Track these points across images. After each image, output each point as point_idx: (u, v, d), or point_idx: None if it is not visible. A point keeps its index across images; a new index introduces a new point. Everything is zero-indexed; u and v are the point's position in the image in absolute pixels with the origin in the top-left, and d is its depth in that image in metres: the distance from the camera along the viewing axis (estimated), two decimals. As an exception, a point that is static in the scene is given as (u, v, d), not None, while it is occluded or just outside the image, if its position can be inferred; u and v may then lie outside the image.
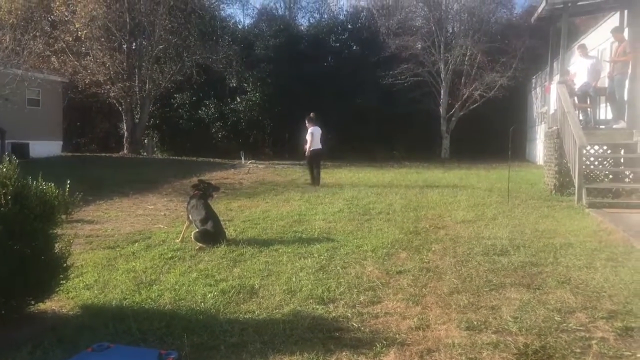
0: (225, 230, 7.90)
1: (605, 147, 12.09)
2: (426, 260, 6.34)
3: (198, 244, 7.20)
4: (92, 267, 6.22)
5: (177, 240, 7.58)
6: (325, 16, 40.75)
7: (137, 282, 5.59)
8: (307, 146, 15.62)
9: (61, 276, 4.68)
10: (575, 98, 12.96)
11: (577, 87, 13.11)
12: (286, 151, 31.52)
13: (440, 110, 32.08)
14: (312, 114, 15.78)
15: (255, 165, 23.72)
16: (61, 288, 4.88)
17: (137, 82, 29.29)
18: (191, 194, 8.06)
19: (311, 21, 41.10)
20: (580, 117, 12.86)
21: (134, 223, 9.47)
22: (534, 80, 29.67)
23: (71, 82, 28.36)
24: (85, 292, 5.29)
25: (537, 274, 5.72)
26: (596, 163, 12.04)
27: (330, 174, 18.88)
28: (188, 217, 7.78)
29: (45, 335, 4.14)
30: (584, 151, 11.39)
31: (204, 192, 7.96)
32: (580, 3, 13.00)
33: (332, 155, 25.40)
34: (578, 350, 3.89)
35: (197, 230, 7.41)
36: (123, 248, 7.28)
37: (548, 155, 13.77)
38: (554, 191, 12.51)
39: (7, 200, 4.19)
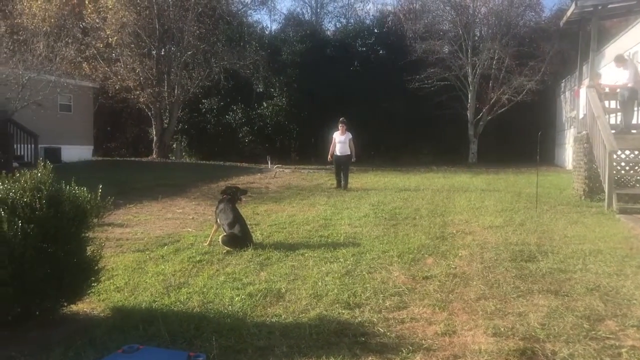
0: (252, 234, 7.97)
1: (636, 152, 11.86)
2: (453, 266, 6.31)
3: (225, 247, 7.27)
4: (123, 270, 6.34)
5: (205, 244, 7.67)
6: (352, 21, 40.87)
7: (166, 285, 5.68)
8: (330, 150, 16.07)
9: (93, 279, 4.78)
10: (609, 102, 12.73)
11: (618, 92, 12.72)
12: (312, 155, 31.59)
13: (468, 114, 31.82)
14: (342, 119, 15.98)
15: (281, 169, 23.84)
16: (93, 290, 4.98)
17: (166, 87, 29.70)
18: (220, 198, 8.16)
19: (337, 26, 41.28)
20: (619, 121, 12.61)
21: (163, 226, 9.61)
22: (562, 84, 29.22)
23: (102, 87, 28.88)
24: (116, 294, 5.40)
25: (565, 281, 5.65)
26: (627, 168, 11.82)
27: (356, 179, 18.87)
28: (216, 221, 7.87)
29: (77, 337, 4.24)
30: (615, 156, 11.20)
31: (232, 197, 8.04)
32: (610, 6, 12.80)
33: (359, 159, 25.40)
34: (607, 359, 3.84)
35: (224, 234, 7.49)
36: (152, 251, 7.40)
37: (577, 160, 13.56)
38: (583, 197, 12.32)
39: (42, 204, 4.30)
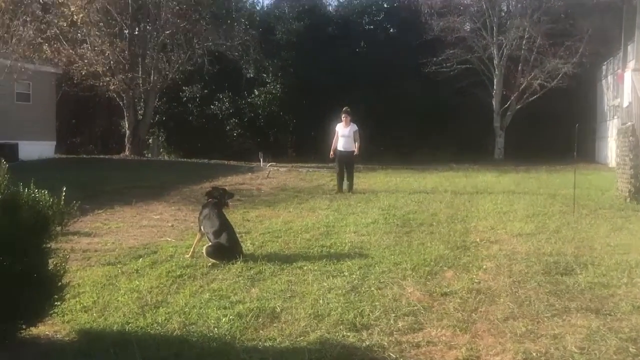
0: (242, 244, 7.98)
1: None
2: (476, 281, 6.31)
3: (211, 259, 7.28)
4: (91, 287, 6.35)
5: (187, 256, 7.68)
6: (358, -6, 40.85)
7: (142, 303, 5.68)
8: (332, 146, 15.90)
9: (56, 297, 4.77)
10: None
11: None
12: (312, 152, 31.60)
13: (493, 103, 31.82)
14: (345, 108, 15.88)
15: (275, 168, 23.85)
16: (56, 310, 4.99)
17: (140, 73, 29.74)
18: (204, 202, 8.16)
19: (341, 0, 41.22)
20: None
21: (138, 235, 9.62)
22: (604, 67, 29.22)
23: (65, 73, 28.89)
24: (83, 315, 5.40)
25: (607, 297, 5.65)
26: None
27: (363, 178, 18.87)
28: (200, 229, 7.88)
29: (38, 364, 4.25)
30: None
31: (219, 200, 8.05)
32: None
33: (365, 155, 25.34)
34: (657, 388, 3.84)
35: (209, 244, 7.50)
36: (125, 264, 7.40)
37: (621, 156, 13.55)
38: (628, 199, 12.31)
39: (-5, 210, 4.30)
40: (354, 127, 15.67)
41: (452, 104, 31.45)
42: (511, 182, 17.75)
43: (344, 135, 15.58)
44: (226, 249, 7.40)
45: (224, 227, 7.63)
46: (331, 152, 15.97)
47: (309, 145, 33.19)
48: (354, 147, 15.55)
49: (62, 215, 9.47)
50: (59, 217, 4.73)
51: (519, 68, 31.03)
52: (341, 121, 15.74)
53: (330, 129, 16.46)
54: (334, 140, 15.87)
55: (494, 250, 7.79)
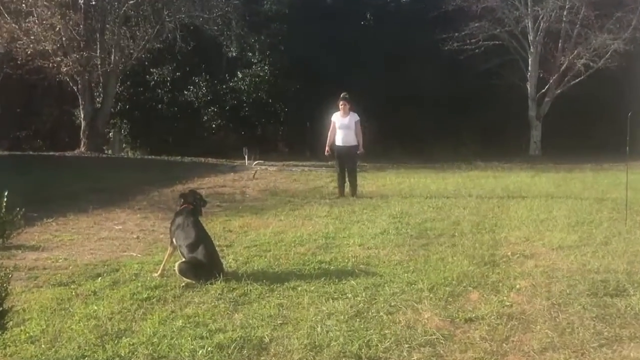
0: (223, 259, 7.97)
1: None
2: (507, 303, 6.31)
3: (184, 279, 7.26)
4: (39, 312, 6.31)
5: (156, 274, 7.66)
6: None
7: (101, 332, 5.66)
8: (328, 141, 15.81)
9: (-4, 325, 4.77)
10: None
11: None
12: (307, 147, 31.62)
13: (528, 87, 31.84)
14: (343, 94, 15.71)
15: (263, 167, 23.84)
16: (-4, 341, 4.97)
17: (98, 51, 29.64)
18: (177, 208, 8.14)
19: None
20: None
21: (96, 250, 9.58)
22: (662, 43, 29.27)
23: (7, 52, 28.84)
24: (29, 346, 5.37)
25: (668, 324, 5.65)
26: None
27: (369, 179, 18.88)
28: (171, 242, 7.87)
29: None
30: None
31: (195, 207, 8.03)
32: None
33: (373, 151, 25.28)
34: None
35: (183, 260, 7.48)
36: (80, 285, 7.37)
37: (684, 151, 13.56)
38: (692, 203, 12.31)
39: None
40: (355, 116, 15.52)
41: (478, 89, 31.44)
42: (550, 184, 17.75)
43: (342, 126, 15.42)
44: (203, 265, 7.37)
45: (201, 239, 7.60)
46: (326, 149, 15.88)
47: (303, 140, 33.22)
48: (356, 141, 15.47)
49: (3, 225, 9.51)
50: (-1, 227, 4.73)
51: (559, 45, 31.06)
52: (338, 110, 15.63)
53: (327, 119, 16.25)
54: (329, 134, 15.74)
55: (528, 267, 7.79)
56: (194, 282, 7.19)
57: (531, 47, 31.36)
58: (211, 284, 7.13)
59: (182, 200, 8.17)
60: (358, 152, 15.59)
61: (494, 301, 6.39)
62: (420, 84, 31.56)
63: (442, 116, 32.50)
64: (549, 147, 31.04)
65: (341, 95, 15.71)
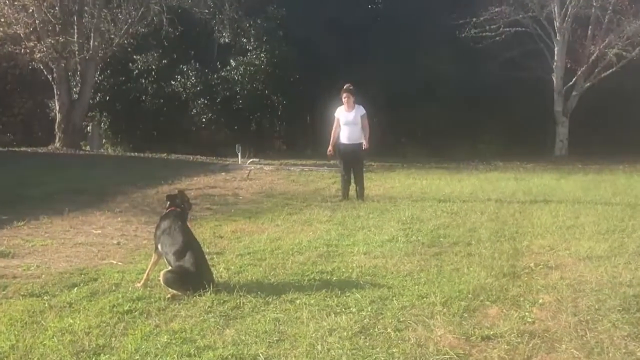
0: (213, 268, 7.98)
1: None
2: (529, 320, 6.31)
3: (170, 290, 7.27)
4: (8, 326, 6.31)
5: (139, 284, 7.67)
6: None
7: (77, 349, 5.66)
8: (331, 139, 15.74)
9: (-39, 339, 4.78)
10: None
11: None
12: (308, 144, 31.68)
13: (554, 79, 31.85)
14: (346, 86, 15.62)
15: (259, 166, 23.86)
16: (-40, 357, 4.99)
17: (76, 36, 29.69)
18: (164, 211, 8.14)
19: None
20: None
21: (72, 257, 9.57)
22: None
23: (-27, 37, 28.86)
24: (-3, 364, 5.39)
25: None
26: None
27: (377, 181, 18.88)
28: (156, 248, 7.88)
29: None
30: None
31: (183, 210, 8.03)
32: None
33: (381, 149, 25.30)
34: None
35: (169, 268, 7.49)
36: (54, 296, 7.37)
37: None
38: None
39: None
40: (361, 110, 15.43)
41: (498, 81, 31.43)
42: (577, 187, 17.74)
43: (347, 122, 15.33)
44: (191, 275, 7.37)
45: (189, 245, 7.59)
46: (329, 148, 15.78)
47: (303, 136, 33.32)
48: (363, 139, 15.42)
49: (-30, 228, 9.51)
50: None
51: (589, 32, 31.07)
52: (342, 104, 15.51)
53: (330, 114, 16.16)
54: (332, 131, 15.64)
55: (553, 279, 7.78)
56: (180, 293, 7.19)
57: (557, 35, 31.36)
58: (200, 295, 7.14)
59: (169, 202, 8.18)
60: (363, 148, 15.45)
61: (515, 317, 6.38)
62: (434, 74, 31.60)
63: (458, 111, 32.53)
64: (577, 146, 31.06)
65: (344, 87, 15.50)
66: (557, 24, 31.26)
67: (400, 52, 32.05)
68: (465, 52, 31.19)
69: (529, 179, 20.38)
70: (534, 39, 31.28)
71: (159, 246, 7.78)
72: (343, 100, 15.37)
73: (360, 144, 15.32)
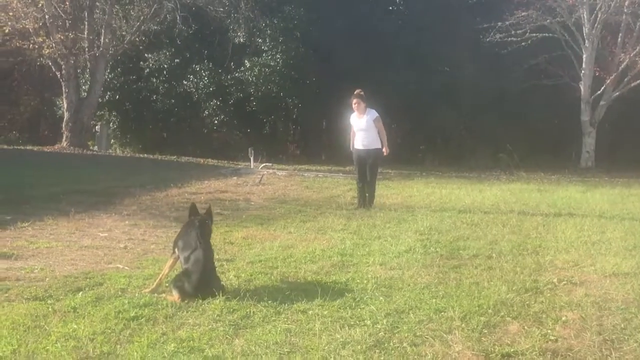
0: (222, 275, 7.99)
1: None
2: (552, 337, 6.27)
3: (172, 294, 7.33)
4: (10, 330, 6.31)
5: (146, 290, 7.68)
6: None
7: (81, 355, 5.66)
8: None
9: (-39, 342, 4.79)
10: None
11: None
12: (323, 149, 31.68)
13: (582, 87, 31.73)
14: (356, 92, 15.60)
15: (271, 171, 23.88)
16: (-40, 361, 5.00)
17: (86, 32, 29.83)
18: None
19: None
20: None
21: (77, 260, 9.58)
22: None
23: (-18, 31, 29.01)
24: (-2, 369, 5.40)
25: None
26: None
27: (394, 189, 18.86)
28: (174, 250, 7.95)
29: None
30: None
31: (204, 219, 8.08)
32: None
33: (399, 157, 25.29)
34: None
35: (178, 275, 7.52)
36: (58, 300, 7.37)
37: None
38: None
39: None
40: (373, 113, 15.37)
41: (523, 88, 31.42)
42: (604, 201, 17.66)
43: (360, 129, 15.40)
44: (192, 281, 7.37)
45: (199, 248, 7.60)
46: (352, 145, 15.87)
47: (318, 141, 33.29)
48: (378, 143, 15.37)
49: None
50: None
51: (619, 40, 30.97)
52: (357, 110, 15.44)
53: (348, 120, 16.14)
54: (351, 136, 15.78)
55: (577, 296, 7.74)
56: (176, 300, 7.22)
57: (586, 42, 31.24)
58: (208, 302, 7.14)
59: (191, 213, 8.27)
60: (384, 153, 15.44)
61: (537, 334, 6.34)
62: (456, 80, 31.61)
63: (480, 118, 32.50)
64: (604, 157, 30.95)
65: (354, 93, 15.52)
66: (586, 30, 31.15)
67: (421, 56, 32.07)
68: (489, 58, 31.18)
69: (554, 191, 20.32)
70: (561, 45, 31.20)
71: (176, 249, 7.88)
72: (353, 106, 15.39)
73: (375, 149, 15.34)
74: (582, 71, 31.56)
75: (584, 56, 31.40)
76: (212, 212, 8.51)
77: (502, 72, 31.42)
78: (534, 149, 31.35)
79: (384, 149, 15.35)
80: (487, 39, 30.25)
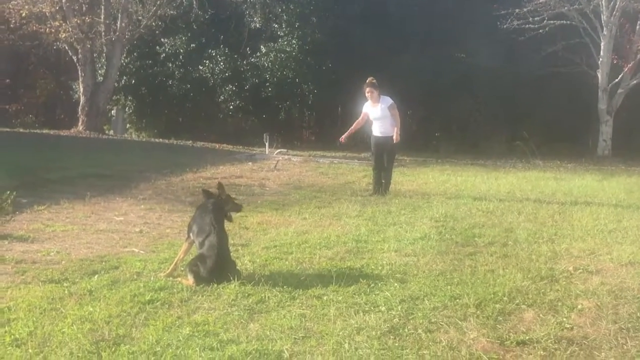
0: (238, 260, 8.02)
1: None
2: (567, 326, 6.26)
3: (187, 278, 7.37)
4: (26, 312, 6.37)
5: (162, 274, 7.72)
6: None
7: (96, 338, 5.70)
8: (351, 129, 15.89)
9: (-22, 324, 4.82)
10: None
11: None
12: (338, 135, 31.51)
13: (599, 75, 31.51)
14: (368, 80, 15.52)
15: (286, 157, 23.87)
16: (-23, 343, 5.03)
17: (102, 16, 29.84)
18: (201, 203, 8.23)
19: None
20: None
21: (93, 243, 9.65)
22: None
23: (-1, 14, 29.06)
24: (15, 350, 5.43)
25: None
26: None
27: (409, 176, 18.82)
28: (188, 235, 7.97)
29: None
30: None
31: (220, 203, 8.08)
32: None
33: (415, 144, 25.23)
34: None
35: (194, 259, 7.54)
36: (74, 283, 7.42)
37: None
38: None
39: None
40: (387, 101, 15.28)
41: (540, 76, 31.24)
42: (620, 189, 17.55)
43: (375, 117, 15.34)
44: (207, 265, 7.40)
45: (213, 233, 7.62)
46: (342, 137, 15.97)
47: (333, 127, 33.14)
48: (394, 131, 15.34)
49: (-10, 210, 9.61)
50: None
51: (637, 27, 30.72)
52: (372, 97, 15.32)
53: (361, 105, 16.07)
54: (355, 123, 15.82)
55: (593, 284, 7.71)
56: (191, 284, 7.27)
57: (604, 29, 30.98)
58: (223, 287, 7.17)
59: (206, 197, 8.30)
60: (393, 140, 15.32)
61: (552, 322, 6.33)
62: (472, 67, 31.45)
63: (496, 105, 32.38)
64: (621, 146, 30.77)
65: (366, 82, 15.43)
66: (604, 17, 30.88)
67: (437, 43, 31.91)
68: (506, 45, 30.98)
69: (570, 179, 20.22)
70: (579, 32, 30.97)
71: (190, 233, 7.90)
72: (366, 95, 15.32)
73: (392, 136, 15.29)
74: (600, 59, 31.33)
75: (602, 44, 31.15)
76: (224, 188, 8.49)
77: (519, 59, 31.24)
78: (551, 136, 31.22)
79: (394, 136, 15.25)
80: (504, 26, 30.04)
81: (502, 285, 7.51)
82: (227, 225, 8.14)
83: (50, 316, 6.28)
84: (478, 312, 6.59)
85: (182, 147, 27.42)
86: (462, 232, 10.72)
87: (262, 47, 33.86)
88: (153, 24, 31.29)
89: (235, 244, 8.99)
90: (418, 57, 31.01)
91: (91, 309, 6.46)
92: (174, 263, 7.83)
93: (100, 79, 31.25)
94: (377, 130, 15.40)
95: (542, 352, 5.60)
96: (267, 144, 26.22)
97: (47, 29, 29.05)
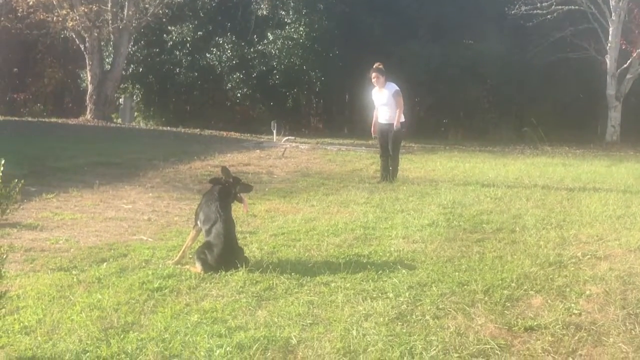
0: (246, 247, 8.03)
1: None
2: (575, 311, 6.25)
3: (195, 265, 7.38)
4: (35, 299, 6.39)
5: (170, 262, 7.73)
6: None
7: (105, 325, 5.72)
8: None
9: (-13, 311, 4.84)
10: None
11: None
12: (345, 123, 31.59)
13: (607, 61, 31.39)
14: (375, 65, 15.48)
15: (294, 144, 23.87)
16: (-13, 330, 5.04)
17: (110, 5, 29.82)
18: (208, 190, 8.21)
19: None
20: None
21: (101, 231, 9.66)
22: None
23: (5, 3, 29.10)
24: (24, 338, 5.44)
25: None
26: None
27: (417, 162, 18.80)
28: (195, 222, 7.97)
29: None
30: None
31: (228, 188, 8.03)
32: None
33: (423, 130, 25.19)
34: None
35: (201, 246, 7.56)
36: (83, 271, 7.44)
37: None
38: None
39: None
40: (392, 87, 15.25)
41: (548, 62, 31.16)
42: (629, 175, 17.53)
43: (380, 103, 15.34)
44: (214, 253, 7.42)
45: (221, 220, 7.61)
46: (372, 130, 15.82)
47: (341, 114, 33.20)
48: (401, 117, 15.19)
49: (-1, 199, 9.63)
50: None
51: (647, 12, 30.61)
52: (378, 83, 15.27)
53: (370, 94, 16.05)
54: (375, 113, 15.68)
55: (601, 270, 7.70)
56: (200, 271, 7.29)
57: (613, 14, 30.84)
58: (231, 274, 7.19)
59: (212, 181, 8.28)
60: (395, 128, 15.21)
61: (560, 308, 6.32)
62: (480, 53, 31.35)
63: (504, 92, 32.30)
64: (629, 132, 30.69)
65: (373, 67, 15.40)
66: (612, 2, 30.72)
67: (445, 29, 31.87)
68: (514, 30, 30.96)
69: (578, 165, 20.21)
70: (587, 18, 30.83)
71: (198, 221, 7.89)
72: (372, 80, 15.29)
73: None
74: (608, 44, 31.19)
75: (610, 29, 31.02)
76: (229, 171, 8.46)
77: (527, 45, 31.16)
78: (559, 123, 31.16)
79: (394, 123, 15.18)
80: (512, 12, 29.96)
81: (510, 271, 7.50)
82: (234, 213, 8.14)
83: (59, 304, 6.30)
84: (486, 298, 6.59)
85: (189, 135, 27.42)
86: (470, 219, 10.71)
87: (269, 34, 33.79)
88: (160, 11, 31.27)
89: (243, 232, 9.01)
90: (426, 44, 30.96)
91: (100, 297, 6.47)
92: (181, 250, 7.83)
93: (107, 67, 31.29)
94: (382, 117, 15.37)
95: (550, 338, 5.59)
96: (274, 132, 26.23)
97: (55, 18, 29.07)
